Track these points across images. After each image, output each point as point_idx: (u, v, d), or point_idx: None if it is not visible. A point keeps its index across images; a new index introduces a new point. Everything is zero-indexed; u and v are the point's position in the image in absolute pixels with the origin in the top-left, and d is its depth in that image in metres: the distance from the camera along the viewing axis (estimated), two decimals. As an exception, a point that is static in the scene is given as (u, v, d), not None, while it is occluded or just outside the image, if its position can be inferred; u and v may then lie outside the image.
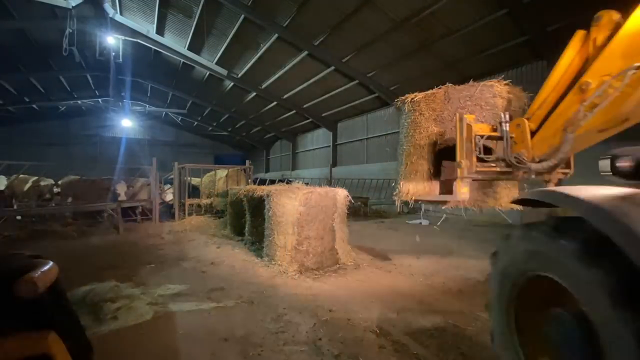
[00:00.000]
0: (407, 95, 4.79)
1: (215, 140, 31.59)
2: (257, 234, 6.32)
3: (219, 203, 11.35)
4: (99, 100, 22.49)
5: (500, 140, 3.42)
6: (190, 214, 10.82)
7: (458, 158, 3.48)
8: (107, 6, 12.09)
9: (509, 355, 1.85)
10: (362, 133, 18.01)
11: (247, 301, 3.67)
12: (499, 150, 3.45)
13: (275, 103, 18.43)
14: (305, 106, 18.28)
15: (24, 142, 23.17)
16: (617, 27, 2.48)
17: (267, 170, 29.70)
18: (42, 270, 1.17)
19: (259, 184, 9.03)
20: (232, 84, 16.98)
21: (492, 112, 4.17)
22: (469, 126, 3.40)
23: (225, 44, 13.26)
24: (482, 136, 3.41)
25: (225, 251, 6.26)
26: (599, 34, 2.63)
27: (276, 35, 11.71)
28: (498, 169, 3.51)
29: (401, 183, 4.60)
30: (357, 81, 13.81)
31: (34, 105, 20.96)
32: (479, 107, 4.23)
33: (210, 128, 28.57)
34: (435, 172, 4.56)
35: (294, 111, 19.12)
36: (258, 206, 6.16)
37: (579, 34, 2.79)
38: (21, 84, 17.94)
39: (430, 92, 4.59)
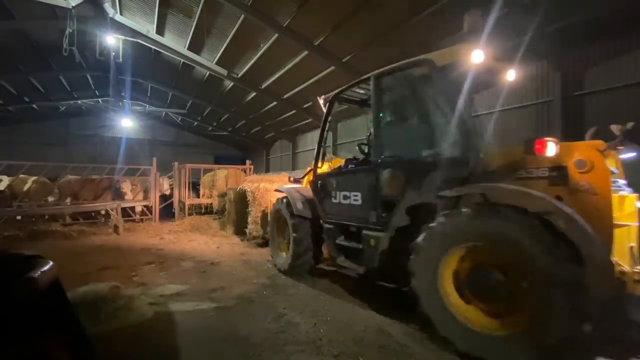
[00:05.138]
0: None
1: (215, 140, 31.53)
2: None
3: (218, 203, 11.35)
4: (99, 100, 22.46)
5: None
6: (190, 214, 10.82)
7: None
8: (107, 6, 12.09)
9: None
10: (362, 133, 17.95)
11: (247, 301, 3.68)
12: None
13: (275, 103, 18.42)
14: (305, 106, 18.25)
15: (24, 142, 23.14)
16: None
17: (267, 170, 29.64)
18: (42, 270, 1.17)
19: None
20: (232, 84, 16.96)
21: None
22: None
23: (225, 44, 13.24)
24: None
25: (225, 251, 6.26)
26: None
27: (276, 35, 11.70)
28: None
29: None
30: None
31: (34, 105, 20.90)
32: None
33: (210, 128, 28.53)
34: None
35: (294, 111, 19.10)
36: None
37: None
38: (21, 84, 17.90)
39: None
